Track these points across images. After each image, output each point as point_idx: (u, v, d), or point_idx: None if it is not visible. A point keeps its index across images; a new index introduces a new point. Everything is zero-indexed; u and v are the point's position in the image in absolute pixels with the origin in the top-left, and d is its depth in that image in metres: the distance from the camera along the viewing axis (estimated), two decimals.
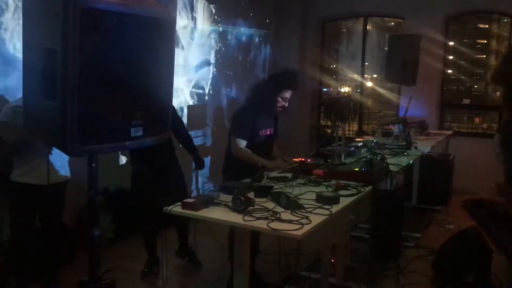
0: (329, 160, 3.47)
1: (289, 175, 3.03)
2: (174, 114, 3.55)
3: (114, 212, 4.44)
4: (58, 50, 1.67)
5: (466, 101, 7.32)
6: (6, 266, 3.46)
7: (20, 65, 2.15)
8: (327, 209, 2.42)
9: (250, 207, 2.36)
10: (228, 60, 6.29)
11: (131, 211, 4.01)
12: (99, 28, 1.70)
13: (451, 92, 7.57)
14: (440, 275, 3.74)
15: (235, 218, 2.29)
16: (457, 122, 7.65)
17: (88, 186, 2.06)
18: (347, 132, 6.99)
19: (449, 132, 6.16)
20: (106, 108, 1.80)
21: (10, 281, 3.41)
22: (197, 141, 5.26)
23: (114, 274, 2.24)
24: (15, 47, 3.76)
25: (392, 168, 3.37)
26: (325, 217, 2.33)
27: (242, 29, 6.53)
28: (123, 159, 4.84)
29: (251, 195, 2.55)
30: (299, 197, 2.62)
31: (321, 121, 8.01)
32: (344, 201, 2.60)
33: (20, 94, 2.45)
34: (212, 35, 5.99)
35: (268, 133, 3.55)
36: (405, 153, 4.20)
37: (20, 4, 3.67)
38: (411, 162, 4.16)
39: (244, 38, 6.63)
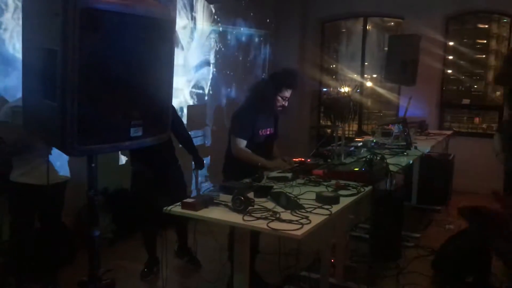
0: (329, 160, 3.47)
1: (289, 175, 3.03)
2: (174, 114, 3.55)
3: (114, 212, 4.44)
4: (58, 50, 1.67)
5: (466, 101, 7.32)
6: (6, 266, 3.46)
7: (19, 65, 2.15)
8: (327, 209, 2.42)
9: (250, 207, 2.36)
10: (228, 60, 6.29)
11: (131, 211, 4.01)
12: (99, 28, 1.69)
13: (451, 92, 7.57)
14: (440, 275, 3.74)
15: (235, 218, 2.29)
16: (457, 122, 7.65)
17: (87, 186, 2.06)
18: (346, 132, 6.99)
19: (449, 132, 6.16)
20: (106, 108, 1.80)
21: (10, 281, 3.41)
22: (197, 141, 5.26)
23: (114, 274, 2.24)
24: (15, 47, 3.75)
25: (392, 168, 3.37)
26: (325, 217, 2.33)
27: (242, 29, 6.53)
28: (123, 159, 4.84)
29: (251, 195, 2.55)
30: (299, 197, 2.62)
31: (321, 121, 8.01)
32: (344, 201, 2.60)
33: (19, 94, 2.44)
34: (212, 35, 5.98)
35: (268, 133, 3.55)
36: (405, 153, 4.20)
37: (20, 4, 3.67)
38: (411, 162, 4.16)
39: (244, 38, 6.63)
